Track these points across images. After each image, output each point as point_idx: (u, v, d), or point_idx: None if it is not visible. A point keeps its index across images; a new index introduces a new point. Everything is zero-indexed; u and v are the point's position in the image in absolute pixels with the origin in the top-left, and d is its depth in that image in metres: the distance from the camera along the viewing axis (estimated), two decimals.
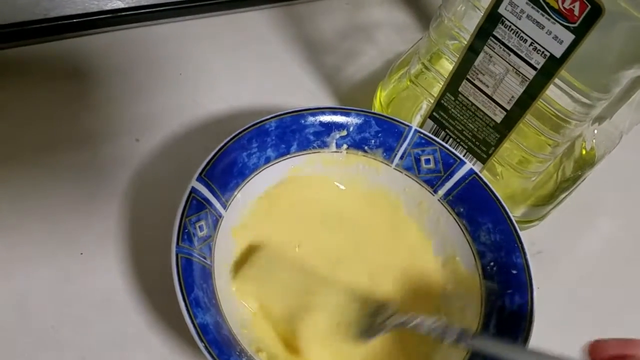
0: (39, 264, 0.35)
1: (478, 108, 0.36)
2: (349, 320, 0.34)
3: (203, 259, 0.32)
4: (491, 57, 0.34)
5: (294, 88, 0.48)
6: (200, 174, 0.34)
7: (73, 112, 0.42)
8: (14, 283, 0.34)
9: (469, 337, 0.30)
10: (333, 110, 0.39)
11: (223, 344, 0.29)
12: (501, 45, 0.33)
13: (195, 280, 0.31)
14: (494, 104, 0.35)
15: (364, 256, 0.37)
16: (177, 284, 0.30)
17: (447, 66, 0.39)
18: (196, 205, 0.33)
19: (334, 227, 0.38)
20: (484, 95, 0.35)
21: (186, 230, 0.32)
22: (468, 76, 0.35)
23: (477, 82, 0.35)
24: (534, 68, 0.32)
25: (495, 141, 0.37)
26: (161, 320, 0.35)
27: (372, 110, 0.44)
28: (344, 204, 0.39)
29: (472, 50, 0.34)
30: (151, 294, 0.35)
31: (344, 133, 0.39)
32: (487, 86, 0.35)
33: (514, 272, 0.34)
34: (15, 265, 0.35)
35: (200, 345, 0.28)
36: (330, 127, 0.38)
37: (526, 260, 0.34)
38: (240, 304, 0.34)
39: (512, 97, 0.34)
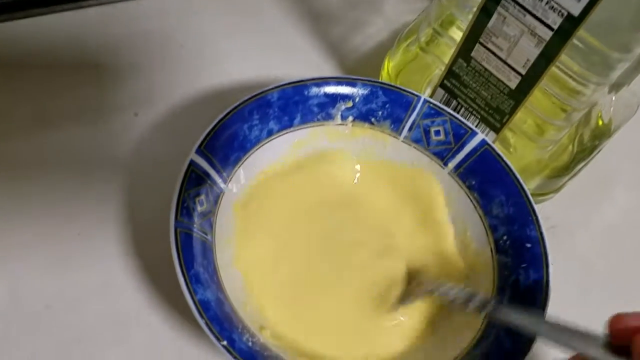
0: (35, 244, 0.34)
1: (492, 74, 0.35)
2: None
3: (203, 235, 0.31)
4: (505, 18, 0.32)
5: (299, 60, 0.46)
6: (200, 146, 0.33)
7: (71, 87, 0.41)
8: (10, 264, 0.33)
9: (491, 305, 0.29)
10: (338, 81, 0.37)
11: (224, 321, 0.28)
12: (515, 5, 0.31)
13: (195, 256, 0.29)
14: (508, 68, 0.33)
15: (370, 233, 0.36)
16: (176, 260, 0.29)
17: (459, 32, 0.37)
18: (195, 179, 0.32)
19: (338, 203, 0.37)
20: (497, 60, 0.34)
21: (185, 205, 0.31)
22: (481, 40, 0.34)
23: (490, 46, 0.33)
24: (551, 28, 0.30)
25: (510, 109, 0.35)
26: (161, 299, 0.34)
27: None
28: (350, 179, 0.38)
29: (484, 12, 0.32)
30: (151, 272, 0.34)
31: (350, 104, 0.37)
32: (501, 50, 0.33)
33: (528, 245, 0.33)
34: (11, 246, 0.34)
35: (201, 321, 0.27)
36: (335, 98, 0.37)
37: (541, 233, 0.33)
38: (242, 280, 0.33)
39: (528, 60, 0.32)
